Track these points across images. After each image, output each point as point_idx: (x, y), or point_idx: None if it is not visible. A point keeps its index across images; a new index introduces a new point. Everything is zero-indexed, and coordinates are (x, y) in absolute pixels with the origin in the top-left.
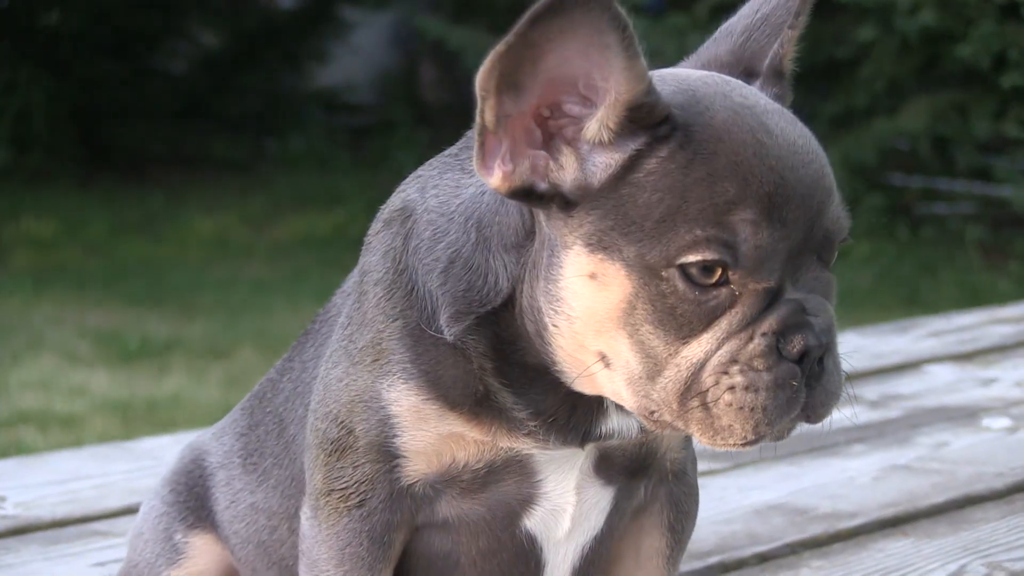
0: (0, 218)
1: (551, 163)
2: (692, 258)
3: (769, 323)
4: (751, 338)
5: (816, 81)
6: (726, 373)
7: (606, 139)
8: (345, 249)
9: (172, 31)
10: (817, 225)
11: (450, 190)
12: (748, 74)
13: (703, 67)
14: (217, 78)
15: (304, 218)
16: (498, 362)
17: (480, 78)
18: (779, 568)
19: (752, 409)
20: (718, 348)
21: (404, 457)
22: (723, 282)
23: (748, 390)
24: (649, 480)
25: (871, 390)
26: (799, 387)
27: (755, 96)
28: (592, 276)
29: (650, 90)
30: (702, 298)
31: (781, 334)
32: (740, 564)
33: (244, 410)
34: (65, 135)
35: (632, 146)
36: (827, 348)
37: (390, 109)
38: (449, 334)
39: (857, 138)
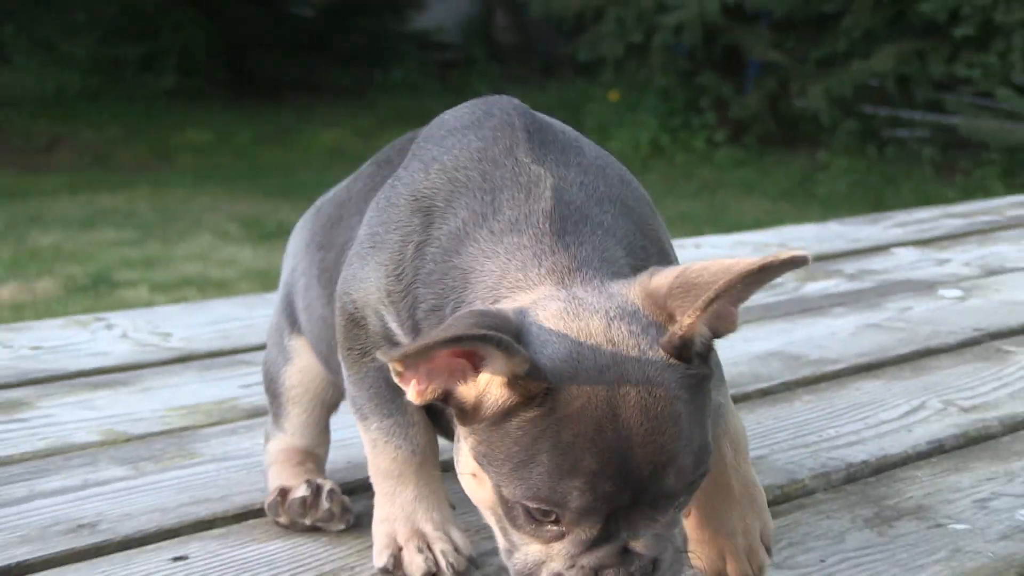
0: (169, 129)
1: (461, 382)
2: (531, 505)
3: (588, 559)
4: (572, 565)
5: (806, 31)
6: None
7: (495, 389)
8: None
9: None
10: (646, 491)
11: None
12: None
13: (651, 293)
14: (336, 20)
15: (402, 132)
16: None
17: (393, 367)
18: (777, 401)
19: None
20: (549, 561)
21: None
22: (556, 520)
23: None
24: None
25: (850, 266)
26: None
27: (630, 374)
28: (474, 475)
29: (530, 371)
30: (539, 529)
31: (597, 569)
32: (746, 397)
33: (330, 217)
34: (218, 64)
35: (511, 399)
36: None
37: (470, 47)
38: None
39: (838, 77)
